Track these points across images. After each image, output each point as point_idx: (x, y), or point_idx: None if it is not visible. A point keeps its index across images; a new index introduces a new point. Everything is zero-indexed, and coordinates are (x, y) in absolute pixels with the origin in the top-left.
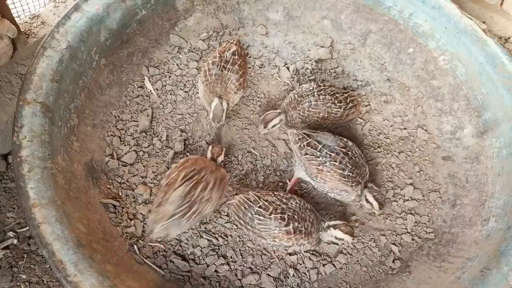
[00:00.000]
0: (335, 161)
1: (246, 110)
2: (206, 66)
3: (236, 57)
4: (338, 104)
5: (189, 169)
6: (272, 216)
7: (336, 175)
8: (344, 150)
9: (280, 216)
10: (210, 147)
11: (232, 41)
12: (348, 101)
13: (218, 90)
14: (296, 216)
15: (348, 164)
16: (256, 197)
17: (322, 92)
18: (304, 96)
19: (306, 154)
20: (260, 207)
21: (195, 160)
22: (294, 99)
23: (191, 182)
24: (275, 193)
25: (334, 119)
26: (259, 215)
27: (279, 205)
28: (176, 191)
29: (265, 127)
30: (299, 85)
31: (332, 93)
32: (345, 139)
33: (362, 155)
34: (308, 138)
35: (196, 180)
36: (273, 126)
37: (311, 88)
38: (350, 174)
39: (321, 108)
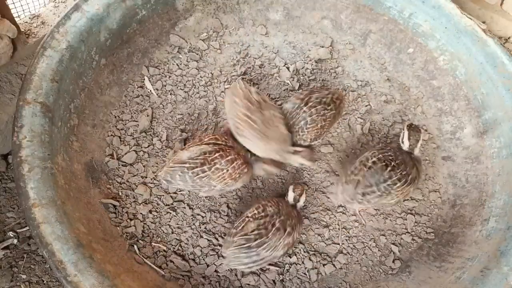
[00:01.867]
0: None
1: None
2: None
3: (261, 96)
4: (329, 108)
5: (222, 139)
6: (270, 234)
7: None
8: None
9: (277, 228)
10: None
11: None
12: (335, 100)
13: (271, 133)
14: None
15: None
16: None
17: (310, 104)
18: (294, 116)
19: None
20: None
21: (231, 141)
22: (287, 124)
23: (216, 146)
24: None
25: (330, 124)
26: (263, 246)
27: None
28: (200, 146)
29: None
30: (281, 107)
31: (318, 101)
32: None
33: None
34: None
35: (221, 147)
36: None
37: (296, 105)
38: None
39: (317, 120)
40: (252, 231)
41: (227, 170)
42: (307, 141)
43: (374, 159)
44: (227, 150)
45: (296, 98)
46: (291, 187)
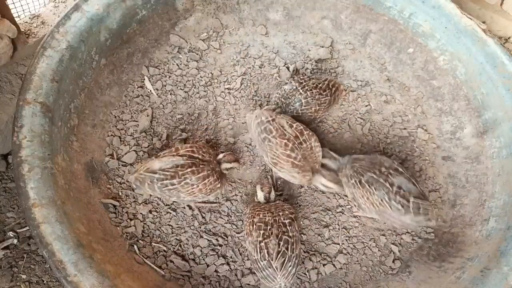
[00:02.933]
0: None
1: (246, 110)
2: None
3: (294, 125)
4: (324, 93)
5: (199, 151)
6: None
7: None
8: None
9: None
10: (223, 154)
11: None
12: (331, 87)
13: (311, 164)
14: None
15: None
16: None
17: (306, 88)
18: (290, 97)
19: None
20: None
21: (209, 151)
22: (282, 103)
23: (189, 160)
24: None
25: (325, 109)
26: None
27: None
28: (174, 158)
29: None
30: (280, 87)
31: (314, 85)
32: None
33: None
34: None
35: (194, 162)
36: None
37: (294, 87)
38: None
39: (312, 103)
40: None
41: (197, 186)
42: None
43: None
44: (201, 166)
45: (296, 81)
46: (258, 187)
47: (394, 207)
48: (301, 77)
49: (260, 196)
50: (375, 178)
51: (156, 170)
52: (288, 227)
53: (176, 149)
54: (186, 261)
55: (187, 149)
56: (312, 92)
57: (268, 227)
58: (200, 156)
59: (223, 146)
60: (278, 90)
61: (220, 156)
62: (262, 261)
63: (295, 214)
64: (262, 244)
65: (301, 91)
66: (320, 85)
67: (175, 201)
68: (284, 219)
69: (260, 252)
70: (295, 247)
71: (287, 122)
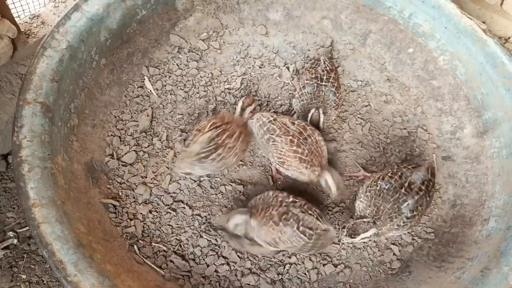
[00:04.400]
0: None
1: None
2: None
3: (296, 122)
4: (332, 72)
5: (218, 120)
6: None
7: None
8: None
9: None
10: (242, 98)
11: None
12: (332, 68)
13: (319, 159)
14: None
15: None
16: None
17: (325, 77)
18: (319, 94)
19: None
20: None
21: (224, 116)
22: (310, 105)
23: (219, 129)
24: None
25: (339, 84)
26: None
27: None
28: (204, 135)
29: (351, 236)
30: (301, 93)
31: (327, 70)
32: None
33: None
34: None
35: (223, 128)
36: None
37: (315, 86)
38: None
39: (337, 85)
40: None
41: (238, 144)
42: (338, 110)
43: None
44: (230, 128)
45: (309, 79)
46: (240, 100)
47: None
48: (311, 72)
49: (240, 102)
50: (410, 203)
51: (200, 151)
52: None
53: (198, 130)
54: (186, 261)
55: (210, 123)
56: (330, 75)
57: (225, 126)
58: (223, 122)
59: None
60: (299, 97)
61: (240, 103)
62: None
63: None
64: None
65: (325, 83)
66: (327, 68)
67: (222, 172)
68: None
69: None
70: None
71: (289, 120)
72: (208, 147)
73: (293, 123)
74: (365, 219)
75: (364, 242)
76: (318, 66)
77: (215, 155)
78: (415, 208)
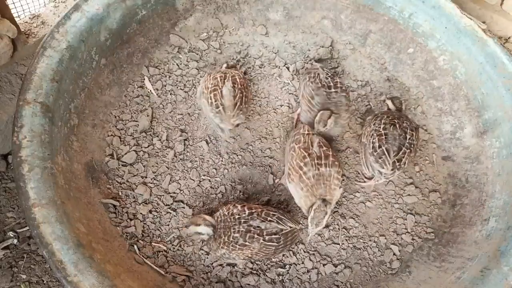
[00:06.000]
0: None
1: None
2: (297, 168)
3: (324, 148)
4: (337, 77)
5: (214, 78)
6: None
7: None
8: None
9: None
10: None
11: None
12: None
13: (322, 192)
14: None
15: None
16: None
17: (332, 84)
18: (331, 101)
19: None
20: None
21: (211, 75)
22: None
23: (228, 79)
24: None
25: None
26: None
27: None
28: (223, 89)
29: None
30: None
31: (329, 76)
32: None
33: None
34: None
35: (228, 76)
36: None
37: (324, 93)
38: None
39: (344, 88)
40: None
41: (247, 82)
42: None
43: None
44: (231, 75)
45: (316, 89)
46: (191, 226)
47: None
48: (313, 84)
49: (203, 229)
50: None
51: (234, 102)
52: None
53: (211, 84)
54: (186, 261)
55: (216, 79)
56: (336, 81)
57: (228, 74)
58: (219, 73)
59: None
60: (309, 110)
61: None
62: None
63: None
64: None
65: (333, 89)
66: (328, 74)
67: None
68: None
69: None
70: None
71: (318, 142)
72: (236, 95)
73: (320, 146)
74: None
75: (364, 243)
76: (319, 75)
77: (244, 98)
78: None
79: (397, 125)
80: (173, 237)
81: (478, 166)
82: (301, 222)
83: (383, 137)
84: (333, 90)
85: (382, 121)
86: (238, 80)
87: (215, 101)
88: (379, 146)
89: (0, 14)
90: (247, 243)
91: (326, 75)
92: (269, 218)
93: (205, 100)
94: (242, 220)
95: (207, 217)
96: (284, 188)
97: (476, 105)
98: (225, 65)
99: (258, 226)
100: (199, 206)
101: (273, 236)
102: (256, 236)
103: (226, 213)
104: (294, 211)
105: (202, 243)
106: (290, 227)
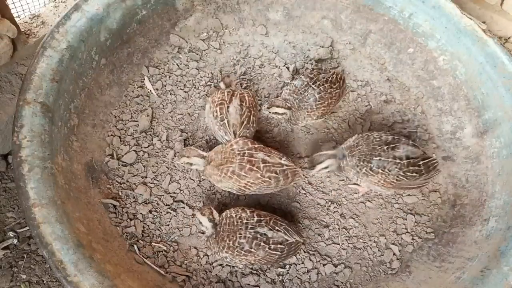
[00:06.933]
0: None
1: None
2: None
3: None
4: (334, 87)
5: (221, 93)
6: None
7: None
8: None
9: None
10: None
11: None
12: (339, 79)
13: None
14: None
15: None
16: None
17: (318, 83)
18: (302, 92)
19: None
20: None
21: (219, 91)
22: (294, 99)
23: (236, 96)
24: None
25: (335, 102)
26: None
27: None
28: (230, 107)
29: (312, 168)
30: (289, 83)
31: (325, 79)
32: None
33: None
34: None
35: (236, 93)
36: (323, 169)
37: (305, 83)
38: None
39: (325, 97)
40: None
41: (254, 101)
42: (314, 118)
43: None
44: (235, 92)
45: (306, 76)
46: (198, 214)
47: (409, 176)
48: (310, 72)
49: (205, 221)
50: (383, 160)
51: (241, 120)
52: None
53: (218, 98)
54: (186, 261)
55: (221, 95)
56: (325, 86)
57: (234, 92)
58: (223, 92)
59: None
60: (287, 86)
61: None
62: None
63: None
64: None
65: (313, 86)
66: (330, 78)
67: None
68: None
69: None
70: None
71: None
72: (243, 113)
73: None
74: (325, 152)
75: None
76: (323, 72)
77: (252, 117)
78: (383, 168)
79: None
80: (173, 238)
81: (478, 166)
82: (303, 235)
83: None
84: (312, 85)
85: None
86: (246, 98)
87: (220, 115)
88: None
89: (0, 14)
90: (252, 250)
91: (328, 76)
92: (276, 228)
93: (211, 114)
94: (250, 226)
95: (215, 213)
96: (285, 189)
97: (476, 105)
98: (222, 83)
99: (265, 234)
100: (198, 206)
101: (279, 246)
102: (262, 244)
103: (234, 216)
104: (292, 212)
105: (204, 240)
106: (296, 240)
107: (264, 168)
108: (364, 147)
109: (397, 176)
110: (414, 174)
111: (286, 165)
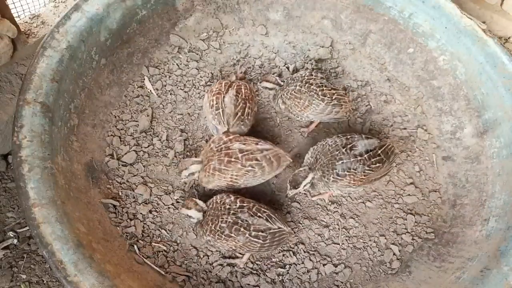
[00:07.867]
0: None
1: None
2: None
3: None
4: (321, 97)
5: (220, 83)
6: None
7: None
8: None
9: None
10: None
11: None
12: (333, 98)
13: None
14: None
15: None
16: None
17: (310, 80)
18: (294, 80)
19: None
20: None
21: (221, 81)
22: (287, 82)
23: (233, 87)
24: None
25: (315, 111)
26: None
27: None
28: (225, 98)
29: (295, 188)
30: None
31: (319, 84)
32: None
33: None
34: None
35: (234, 84)
36: (304, 186)
37: (303, 74)
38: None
39: (303, 95)
40: None
41: (253, 95)
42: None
43: None
44: (235, 84)
45: (310, 73)
46: (183, 209)
47: (374, 167)
48: (318, 73)
49: (194, 213)
50: (346, 162)
51: (235, 111)
52: None
53: (216, 89)
54: (186, 261)
55: (220, 86)
56: (311, 87)
57: (233, 84)
58: (223, 82)
59: None
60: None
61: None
62: None
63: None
64: None
65: (304, 79)
66: (325, 88)
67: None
68: None
69: None
70: None
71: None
72: (238, 104)
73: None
74: (301, 168)
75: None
76: (318, 78)
77: (247, 109)
78: (348, 169)
79: None
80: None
81: (478, 166)
82: (294, 226)
83: None
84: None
85: None
86: (243, 90)
87: (216, 104)
88: None
89: (0, 14)
90: (232, 235)
91: (323, 83)
92: (258, 214)
93: (208, 103)
94: (232, 211)
95: (199, 202)
96: (284, 189)
97: (476, 105)
98: (234, 76)
99: (246, 220)
100: (182, 203)
101: (260, 233)
102: (242, 229)
103: (219, 201)
104: (292, 213)
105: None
106: (279, 227)
107: (243, 157)
108: (323, 158)
109: (364, 172)
110: (378, 164)
111: (265, 149)
